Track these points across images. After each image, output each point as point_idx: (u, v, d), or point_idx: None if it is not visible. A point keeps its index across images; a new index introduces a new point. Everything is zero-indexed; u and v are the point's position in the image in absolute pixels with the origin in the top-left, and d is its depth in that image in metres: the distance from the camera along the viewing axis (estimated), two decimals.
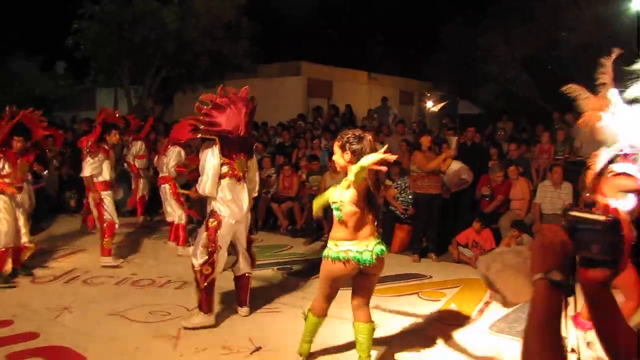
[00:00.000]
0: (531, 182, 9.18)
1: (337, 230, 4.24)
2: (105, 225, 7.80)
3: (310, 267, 7.87)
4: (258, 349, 5.09)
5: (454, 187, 9.01)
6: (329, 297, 4.48)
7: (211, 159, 5.43)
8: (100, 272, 7.56)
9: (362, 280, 4.36)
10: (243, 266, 5.86)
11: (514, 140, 10.69)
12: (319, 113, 16.62)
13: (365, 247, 4.14)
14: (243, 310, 5.91)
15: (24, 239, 7.16)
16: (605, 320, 1.51)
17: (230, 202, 5.52)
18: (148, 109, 18.40)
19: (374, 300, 6.21)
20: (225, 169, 5.47)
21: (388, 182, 9.67)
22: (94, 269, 7.67)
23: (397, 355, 5.01)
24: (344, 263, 4.17)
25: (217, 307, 5.90)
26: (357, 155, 4.06)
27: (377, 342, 5.17)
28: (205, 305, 5.51)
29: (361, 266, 4.16)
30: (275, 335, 5.38)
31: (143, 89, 18.17)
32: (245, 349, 5.08)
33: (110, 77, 18.59)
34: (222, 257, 5.57)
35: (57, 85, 22.33)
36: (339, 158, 4.25)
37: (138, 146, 10.49)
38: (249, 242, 5.98)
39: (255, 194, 6.08)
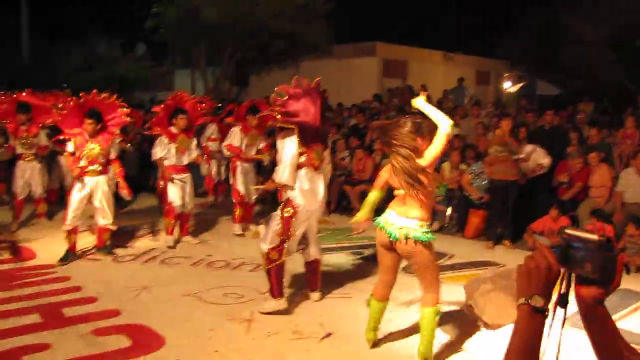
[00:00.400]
0: (613, 169, 8.81)
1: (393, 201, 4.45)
2: (167, 207, 8.07)
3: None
4: (328, 335, 5.14)
5: (531, 173, 8.77)
6: (382, 279, 4.64)
7: (290, 148, 5.44)
8: (177, 252, 7.81)
9: (409, 263, 4.55)
10: (313, 252, 5.91)
11: (595, 124, 10.28)
12: (393, 94, 16.48)
13: (400, 222, 4.27)
14: (315, 295, 5.97)
15: (103, 221, 7.42)
16: (601, 335, 1.52)
17: (307, 192, 5.56)
18: (224, 90, 18.73)
19: (444, 289, 6.23)
20: (303, 158, 5.51)
21: (463, 166, 9.55)
22: (171, 250, 7.92)
23: (462, 346, 4.96)
24: (380, 230, 4.39)
25: (290, 291, 6.02)
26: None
27: (442, 332, 5.17)
28: (275, 290, 5.57)
29: (390, 239, 4.30)
30: (346, 321, 5.42)
31: (220, 70, 18.48)
32: (316, 334, 5.14)
33: (187, 59, 19.01)
34: (292, 245, 5.61)
35: (138, 67, 23.00)
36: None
37: (212, 129, 10.62)
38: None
39: (327, 183, 6.11)
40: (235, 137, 8.77)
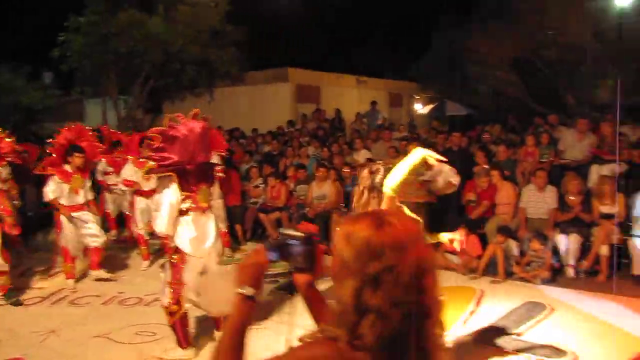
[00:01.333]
0: (517, 186, 9.19)
1: None
2: (61, 252, 7.87)
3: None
4: None
5: (441, 191, 8.97)
6: None
7: (168, 196, 5.15)
8: (87, 291, 7.57)
9: None
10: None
11: (502, 142, 10.72)
12: (305, 119, 16.66)
13: None
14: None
15: None
16: (317, 307, 1.95)
17: (195, 238, 5.26)
18: (137, 119, 18.40)
19: None
20: (187, 203, 5.22)
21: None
22: (81, 288, 7.67)
23: None
24: None
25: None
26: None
27: None
28: (182, 341, 5.35)
29: None
30: (260, 353, 5.36)
31: (132, 99, 18.16)
32: None
33: (97, 88, 18.56)
34: (190, 293, 5.34)
35: (44, 96, 22.24)
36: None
37: (102, 163, 10.09)
38: None
39: (222, 220, 5.83)
40: (129, 170, 8.64)
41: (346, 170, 10.71)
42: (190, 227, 5.26)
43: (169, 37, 16.09)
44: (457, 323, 6.07)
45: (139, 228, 8.75)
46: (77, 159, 7.70)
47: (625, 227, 7.99)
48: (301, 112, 18.08)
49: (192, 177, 5.21)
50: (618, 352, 5.29)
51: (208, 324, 5.95)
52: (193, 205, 5.24)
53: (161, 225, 5.21)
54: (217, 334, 5.76)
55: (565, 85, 17.78)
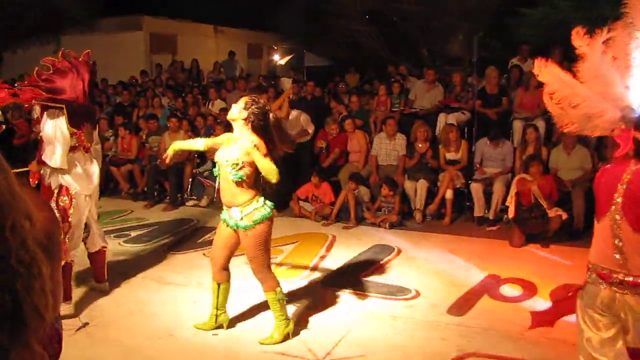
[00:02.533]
0: (369, 135, 9.40)
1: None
2: None
3: (151, 233, 7.69)
4: (85, 324, 4.87)
5: (297, 138, 9.01)
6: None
7: (60, 129, 4.87)
8: None
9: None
10: (97, 241, 5.47)
11: (355, 92, 10.89)
12: (160, 70, 16.05)
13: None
14: (102, 286, 5.54)
15: None
16: None
17: (82, 175, 5.06)
18: None
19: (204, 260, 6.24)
20: (73, 140, 4.96)
21: None
22: None
23: (229, 314, 4.98)
24: None
25: None
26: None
27: (208, 305, 5.16)
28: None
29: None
30: (107, 309, 5.17)
31: None
32: (70, 326, 4.83)
33: None
34: (76, 239, 5.12)
35: None
36: (239, 112, 4.25)
37: None
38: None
39: (99, 165, 5.62)
40: None
41: (200, 120, 10.46)
42: (77, 164, 5.04)
43: None
44: (307, 268, 6.16)
45: None
46: None
47: (469, 173, 8.44)
48: (156, 62, 17.39)
49: (79, 115, 4.97)
50: (454, 288, 5.58)
51: (86, 276, 5.70)
52: (78, 144, 5.02)
53: (56, 159, 4.88)
54: (98, 285, 5.54)
55: (420, 39, 18.29)
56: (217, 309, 4.67)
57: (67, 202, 5.00)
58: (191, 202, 9.42)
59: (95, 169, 5.24)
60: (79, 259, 5.34)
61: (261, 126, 4.21)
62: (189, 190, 9.64)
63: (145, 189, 9.67)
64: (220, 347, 4.43)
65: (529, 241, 6.96)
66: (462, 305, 5.16)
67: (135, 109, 11.98)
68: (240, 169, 4.14)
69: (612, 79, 2.88)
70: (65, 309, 4.94)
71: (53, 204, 4.97)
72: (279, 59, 23.37)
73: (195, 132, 10.15)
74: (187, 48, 19.42)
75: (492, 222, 7.85)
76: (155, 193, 9.61)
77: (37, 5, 15.98)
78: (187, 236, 7.64)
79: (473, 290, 5.52)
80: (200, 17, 21.30)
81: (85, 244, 5.42)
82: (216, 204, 9.27)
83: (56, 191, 5.02)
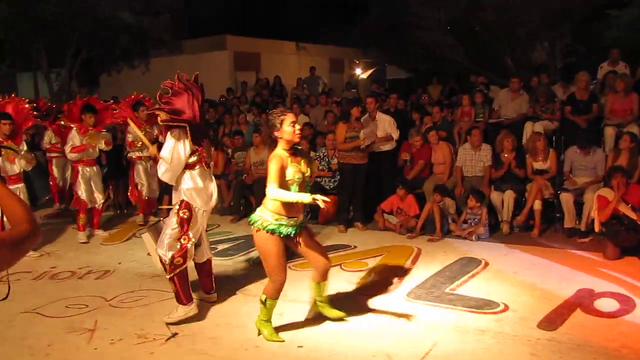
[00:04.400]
0: (453, 146, 9.27)
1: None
2: None
3: (238, 246, 7.84)
4: (174, 335, 5.02)
5: (379, 141, 8.92)
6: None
7: (180, 148, 5.19)
8: (18, 267, 7.29)
9: None
10: (206, 251, 5.72)
11: (437, 104, 10.79)
12: (245, 87, 16.42)
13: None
14: (212, 297, 5.78)
15: None
16: None
17: (201, 191, 5.34)
18: (72, 92, 17.83)
19: (298, 274, 6.31)
20: (195, 157, 5.28)
21: (312, 153, 9.68)
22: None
23: (314, 327, 5.00)
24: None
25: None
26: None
27: (294, 317, 5.22)
28: (183, 296, 5.30)
29: None
30: (192, 320, 5.31)
31: (64, 71, 17.55)
32: (161, 336, 5.00)
33: (27, 61, 17.86)
34: (192, 248, 5.39)
35: None
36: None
37: (49, 134, 10.16)
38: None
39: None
40: (75, 139, 8.38)
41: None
42: (198, 180, 5.34)
43: (96, 3, 15.50)
44: (394, 280, 6.11)
45: (81, 198, 8.51)
46: (4, 127, 7.40)
47: (558, 183, 8.17)
48: (240, 80, 17.81)
49: (199, 132, 5.29)
50: (545, 301, 5.39)
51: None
52: (199, 160, 5.33)
53: (166, 175, 5.28)
54: (206, 297, 5.76)
55: (504, 47, 17.94)
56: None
57: (187, 215, 5.27)
58: None
59: (214, 185, 5.49)
60: None
61: None
62: None
63: (232, 204, 9.87)
64: (306, 359, 4.44)
65: (625, 254, 6.62)
66: (554, 319, 4.97)
67: (221, 126, 12.29)
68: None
69: None
70: (189, 310, 5.29)
71: (174, 218, 5.30)
72: (361, 73, 23.47)
73: None
74: (270, 65, 19.83)
75: (583, 234, 7.54)
76: (242, 207, 9.80)
77: (127, 29, 16.72)
78: None
79: (565, 303, 5.31)
80: (282, 34, 21.73)
81: (195, 255, 5.59)
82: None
83: (177, 205, 5.32)
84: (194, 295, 5.50)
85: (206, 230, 5.76)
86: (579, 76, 9.33)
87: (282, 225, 4.51)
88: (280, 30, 21.95)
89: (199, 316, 5.39)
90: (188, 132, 5.16)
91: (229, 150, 10.59)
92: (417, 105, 11.82)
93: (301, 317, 5.27)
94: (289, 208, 4.48)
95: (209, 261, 5.77)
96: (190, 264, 5.45)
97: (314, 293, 5.05)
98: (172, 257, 5.22)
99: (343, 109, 10.98)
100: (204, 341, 4.87)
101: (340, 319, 5.04)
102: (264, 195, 9.44)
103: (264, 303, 4.71)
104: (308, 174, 4.53)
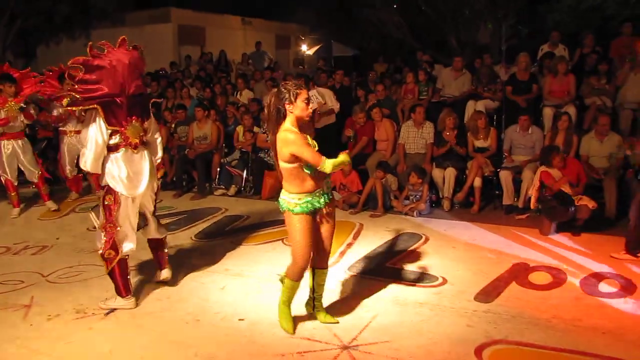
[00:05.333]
0: (396, 123, 9.34)
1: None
2: None
3: (180, 221, 7.76)
4: (113, 310, 4.94)
5: (324, 115, 8.89)
6: None
7: (94, 131, 4.73)
8: None
9: None
10: (153, 232, 5.40)
11: (381, 81, 10.84)
12: (189, 61, 16.15)
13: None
14: (165, 272, 5.48)
15: None
16: None
17: (126, 176, 4.86)
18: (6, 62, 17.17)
19: (240, 249, 6.30)
20: (116, 138, 4.80)
21: (256, 128, 9.62)
22: None
23: (256, 300, 5.01)
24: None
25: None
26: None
27: (235, 291, 5.22)
28: (122, 289, 4.99)
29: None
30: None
31: None
32: (100, 311, 4.92)
33: None
34: (124, 236, 4.97)
35: None
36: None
37: None
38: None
39: (159, 159, 5.37)
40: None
41: (230, 110, 10.57)
42: (121, 164, 4.87)
43: None
44: (335, 255, 6.15)
45: (7, 175, 8.22)
46: None
47: (497, 160, 8.34)
48: (185, 54, 17.51)
49: (121, 110, 4.77)
50: (481, 275, 5.52)
51: (149, 270, 5.72)
52: (122, 142, 4.85)
53: (87, 163, 4.83)
54: (161, 273, 5.49)
55: (449, 27, 18.15)
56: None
57: (112, 202, 4.89)
58: (219, 192, 9.47)
59: (146, 165, 5.02)
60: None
61: None
62: (217, 179, 9.70)
63: (174, 179, 9.74)
64: (247, 332, 4.45)
65: (560, 230, 6.84)
66: (490, 292, 5.10)
67: (163, 99, 12.06)
68: None
69: None
70: (126, 303, 5.00)
71: (100, 203, 4.97)
72: (307, 49, 23.38)
73: (223, 122, 10.22)
74: (216, 40, 19.55)
75: (521, 211, 7.74)
76: (184, 182, 9.70)
77: None
78: (215, 224, 7.69)
79: (501, 277, 5.46)
80: (228, 8, 21.41)
81: (143, 232, 5.37)
82: (244, 193, 9.36)
83: (105, 190, 4.94)
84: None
85: (154, 211, 5.41)
86: (520, 57, 9.52)
87: (308, 202, 4.20)
88: (226, 4, 21.60)
89: (139, 290, 5.32)
90: (100, 112, 4.69)
91: (172, 125, 10.42)
92: (362, 83, 11.87)
93: (243, 291, 5.27)
94: (313, 182, 4.20)
95: (158, 240, 5.47)
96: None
97: (310, 282, 4.58)
98: (103, 250, 4.92)
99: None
100: (143, 316, 4.82)
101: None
102: (206, 169, 9.39)
103: (282, 281, 4.44)
104: (316, 148, 4.20)
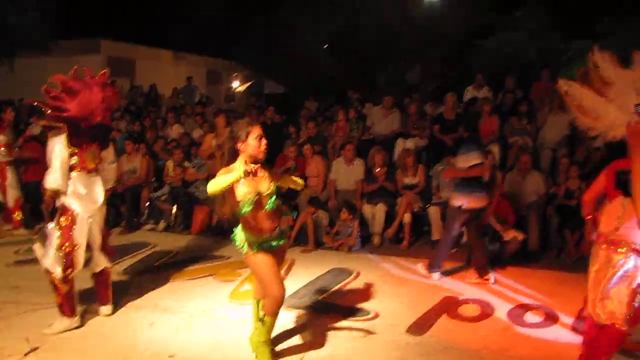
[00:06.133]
0: (327, 160, 9.44)
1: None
2: None
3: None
4: (35, 349, 4.72)
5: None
6: None
7: (59, 149, 4.87)
8: None
9: None
10: (100, 261, 5.36)
11: (313, 119, 10.96)
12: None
13: None
14: (105, 309, 5.41)
15: None
16: None
17: (84, 197, 5.02)
18: None
19: (170, 284, 6.19)
20: (74, 160, 4.95)
21: (186, 163, 9.53)
22: None
23: (186, 336, 4.90)
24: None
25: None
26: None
27: (165, 327, 5.09)
28: (66, 307, 5.00)
29: None
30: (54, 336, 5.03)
31: None
32: (19, 351, 4.68)
33: None
34: (80, 256, 5.05)
35: None
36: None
37: None
38: (105, 236, 5.43)
39: (111, 185, 5.52)
40: None
41: (160, 143, 10.46)
42: (77, 185, 5.00)
43: None
44: None
45: None
46: None
47: (426, 197, 8.52)
48: None
49: (84, 134, 4.95)
50: (413, 309, 5.59)
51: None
52: (79, 164, 4.98)
53: (54, 180, 4.90)
54: (102, 309, 5.41)
55: (378, 67, 18.59)
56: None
57: (69, 222, 4.96)
58: (148, 227, 9.27)
59: (99, 190, 5.16)
60: None
61: None
62: (146, 214, 9.51)
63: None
64: None
65: (491, 263, 7.01)
66: (422, 324, 5.17)
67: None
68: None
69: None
70: (71, 323, 4.99)
71: (55, 224, 5.00)
72: (238, 86, 23.43)
73: (152, 156, 10.07)
74: (146, 73, 19.37)
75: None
76: (110, 218, 9.41)
77: None
78: (144, 259, 7.51)
79: (432, 310, 5.54)
80: (159, 42, 21.26)
81: (88, 266, 5.35)
82: (173, 229, 9.19)
83: (59, 211, 5.02)
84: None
85: (102, 244, 5.37)
86: (447, 97, 9.84)
87: (262, 242, 4.18)
88: (158, 38, 21.45)
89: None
90: (65, 131, 4.87)
91: None
92: (293, 120, 11.96)
93: (173, 327, 5.15)
94: (258, 227, 4.15)
95: (105, 271, 5.44)
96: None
97: (254, 312, 4.53)
98: (64, 273, 4.92)
99: (209, 120, 10.99)
100: (69, 353, 4.63)
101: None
102: (135, 203, 9.19)
103: (261, 320, 4.32)
104: (270, 190, 4.13)
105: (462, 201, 6.44)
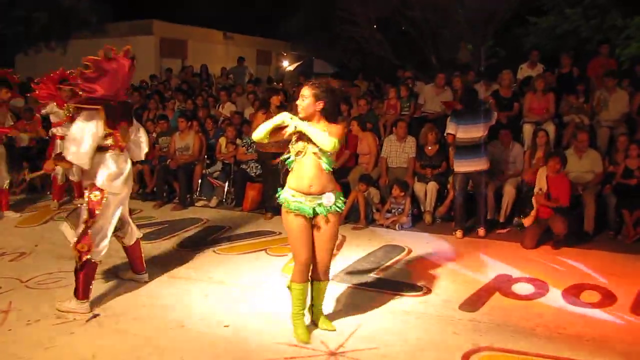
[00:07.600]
0: (378, 137, 9.40)
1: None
2: None
3: (160, 231, 7.70)
4: (95, 316, 4.88)
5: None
6: None
7: (92, 129, 4.87)
8: None
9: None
10: (134, 233, 5.55)
11: (364, 96, 10.91)
12: (170, 74, 16.11)
13: None
14: (144, 277, 5.64)
15: None
16: None
17: (114, 175, 5.06)
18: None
19: (222, 258, 6.29)
20: (109, 140, 5.01)
21: (238, 141, 9.61)
22: None
23: (240, 308, 4.99)
24: None
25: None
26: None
27: (219, 299, 5.18)
28: (80, 291, 4.99)
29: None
30: (115, 302, 5.18)
31: None
32: (82, 316, 4.84)
33: None
34: (103, 235, 5.08)
35: None
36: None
37: None
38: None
39: (142, 157, 5.66)
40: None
41: (209, 122, 10.57)
42: (110, 164, 5.06)
43: None
44: None
45: None
46: None
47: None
48: (166, 66, 17.45)
49: (116, 113, 5.01)
50: (465, 286, 5.56)
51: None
52: (113, 144, 5.05)
53: (81, 158, 4.91)
54: (137, 276, 5.60)
55: (429, 47, 18.35)
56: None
57: (98, 198, 4.99)
58: (201, 203, 9.43)
59: (129, 167, 5.22)
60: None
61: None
62: (198, 190, 9.66)
63: (155, 189, 9.67)
64: (232, 338, 4.41)
65: (540, 243, 6.92)
66: (475, 301, 5.14)
67: (145, 111, 12.02)
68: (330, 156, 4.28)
69: None
70: (80, 307, 4.96)
71: (85, 199, 5.05)
72: (288, 65, 23.48)
73: (205, 134, 10.19)
74: (197, 53, 19.56)
75: (502, 225, 7.82)
76: (165, 193, 9.61)
77: (46, 8, 16.00)
78: (197, 234, 7.65)
79: (485, 287, 5.50)
80: (210, 23, 21.43)
81: (123, 239, 5.50)
82: (225, 205, 9.32)
83: (89, 187, 5.05)
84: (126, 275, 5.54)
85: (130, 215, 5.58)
86: (503, 74, 9.64)
87: (299, 202, 4.20)
88: (209, 18, 21.64)
89: (123, 297, 5.27)
90: (103, 114, 4.90)
91: (153, 135, 10.36)
92: (346, 98, 11.92)
93: (227, 299, 5.24)
94: (299, 182, 4.23)
95: (137, 242, 5.61)
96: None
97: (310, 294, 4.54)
98: (75, 244, 4.95)
99: (263, 98, 10.97)
100: (128, 321, 4.75)
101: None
102: (188, 180, 9.34)
103: (289, 288, 4.43)
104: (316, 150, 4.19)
105: (460, 167, 7.48)
